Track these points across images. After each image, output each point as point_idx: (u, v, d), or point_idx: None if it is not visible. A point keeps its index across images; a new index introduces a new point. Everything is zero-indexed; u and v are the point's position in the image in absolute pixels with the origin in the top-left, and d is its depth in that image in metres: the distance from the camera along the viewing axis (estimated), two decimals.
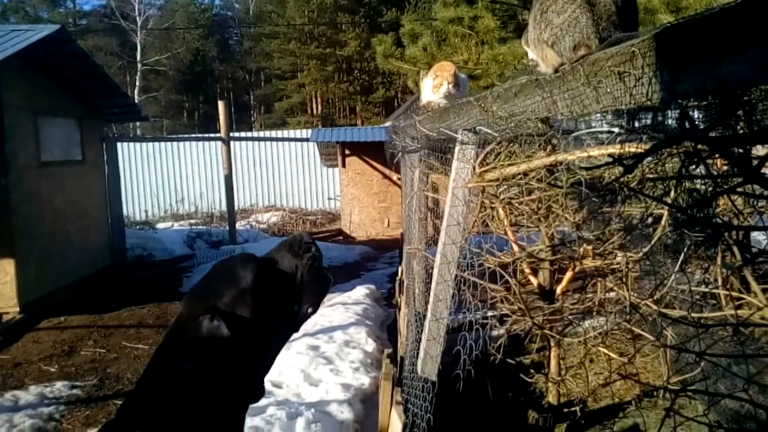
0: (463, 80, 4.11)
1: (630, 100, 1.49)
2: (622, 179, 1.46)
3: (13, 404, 5.49)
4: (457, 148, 3.24)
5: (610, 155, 1.49)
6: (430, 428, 2.55)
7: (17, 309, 8.21)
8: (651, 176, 1.38)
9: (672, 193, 1.61)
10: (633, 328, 2.94)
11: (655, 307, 2.91)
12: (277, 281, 1.64)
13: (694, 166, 1.66)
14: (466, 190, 3.26)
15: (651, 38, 1.35)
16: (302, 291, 1.67)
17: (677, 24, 1.26)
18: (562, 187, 2.13)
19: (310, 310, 1.70)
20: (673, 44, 1.28)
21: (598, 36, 1.65)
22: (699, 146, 1.57)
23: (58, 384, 5.99)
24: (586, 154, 1.74)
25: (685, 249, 2.52)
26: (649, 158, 1.79)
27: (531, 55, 1.91)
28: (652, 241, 1.73)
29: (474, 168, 2.43)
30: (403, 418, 2.95)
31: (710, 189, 1.65)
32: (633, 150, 1.67)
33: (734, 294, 3.09)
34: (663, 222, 1.71)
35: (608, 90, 1.56)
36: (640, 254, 1.83)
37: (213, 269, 1.68)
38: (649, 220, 3.34)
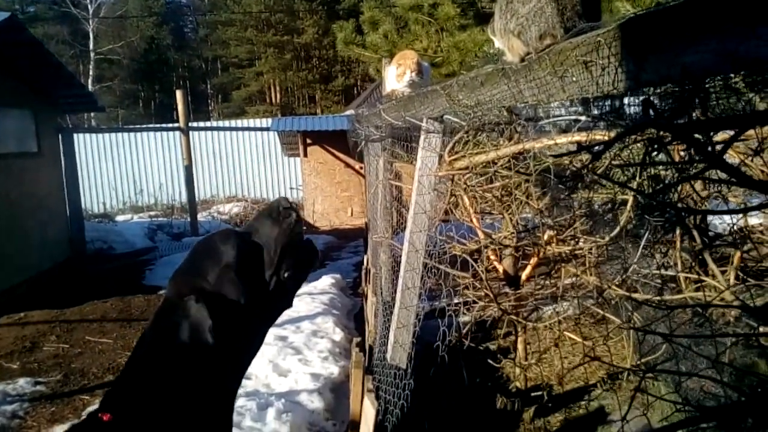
0: (426, 68, 4.12)
1: (596, 89, 1.52)
2: (589, 166, 1.49)
3: None
4: (422, 137, 3.26)
5: (577, 143, 1.52)
6: (404, 415, 2.57)
7: None
8: (618, 163, 1.42)
9: (636, 180, 1.64)
10: (600, 311, 3.00)
11: (621, 291, 2.98)
12: (259, 253, 1.62)
13: (656, 153, 1.71)
14: (433, 178, 3.29)
15: (616, 28, 1.37)
16: (283, 257, 1.64)
17: (642, 14, 1.29)
18: (530, 175, 2.16)
19: (286, 274, 1.65)
20: (637, 34, 1.31)
21: (563, 26, 1.68)
22: (662, 133, 1.61)
23: (21, 381, 5.86)
24: (552, 142, 1.77)
25: (646, 234, 2.59)
26: (614, 146, 1.83)
27: (497, 44, 1.93)
28: (618, 226, 1.77)
29: (442, 157, 2.45)
30: (376, 405, 2.98)
31: (673, 175, 1.70)
32: (599, 137, 1.71)
33: (694, 276, 3.18)
34: (628, 207, 1.76)
35: (574, 79, 1.59)
36: (607, 239, 1.86)
37: (194, 248, 1.66)
38: (608, 206, 3.42)
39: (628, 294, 2.41)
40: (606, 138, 1.64)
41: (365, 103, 21.83)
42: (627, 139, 1.74)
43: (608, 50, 1.40)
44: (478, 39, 8.09)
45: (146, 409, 1.43)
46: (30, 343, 6.98)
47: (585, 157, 1.82)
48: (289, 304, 1.71)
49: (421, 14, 8.95)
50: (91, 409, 5.20)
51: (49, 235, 10.49)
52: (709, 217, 4.13)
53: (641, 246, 2.49)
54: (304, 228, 1.68)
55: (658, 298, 2.36)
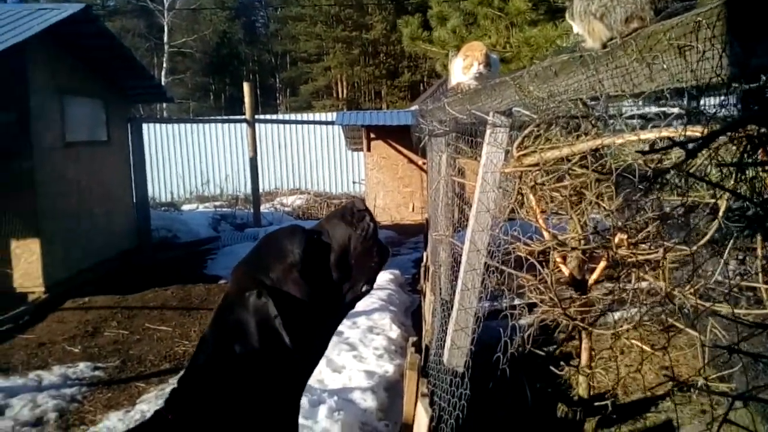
0: (495, 61, 3.95)
1: (691, 77, 1.35)
2: (683, 164, 1.32)
3: (37, 384, 5.49)
4: (488, 131, 3.10)
5: (669, 138, 1.36)
6: (459, 426, 2.43)
7: (43, 289, 8.25)
8: (708, 163, 1.24)
9: (732, 182, 1.46)
10: (672, 321, 2.78)
11: (699, 301, 2.76)
12: (327, 255, 1.53)
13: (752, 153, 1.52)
14: (498, 176, 3.12)
15: (720, 6, 1.20)
16: (356, 265, 1.55)
17: None
18: (608, 174, 1.98)
19: (365, 288, 1.57)
20: (749, 11, 1.13)
21: (653, 7, 1.51)
22: (762, 130, 1.43)
23: (81, 365, 5.98)
24: (636, 138, 1.60)
25: (732, 240, 2.37)
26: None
27: (576, 29, 1.77)
28: (710, 232, 1.59)
29: (509, 152, 2.30)
30: (430, 412, 2.84)
31: None
32: (693, 133, 1.53)
33: None
34: (720, 212, 1.57)
35: (665, 66, 1.42)
36: (695, 247, 1.68)
37: (260, 242, 1.60)
38: (682, 209, 3.18)
39: (710, 305, 2.20)
40: (701, 134, 1.45)
41: (430, 99, 21.68)
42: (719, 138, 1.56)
43: (710, 32, 1.22)
44: (550, 35, 7.83)
45: (211, 410, 1.38)
46: (92, 327, 7.13)
47: (673, 155, 1.65)
48: (351, 307, 1.62)
49: (490, 9, 8.75)
50: (146, 396, 5.25)
51: (115, 223, 10.73)
52: None
53: (726, 253, 2.27)
54: (377, 228, 1.56)
55: (746, 311, 2.14)
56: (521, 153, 2.24)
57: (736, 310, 2.84)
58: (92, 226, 9.66)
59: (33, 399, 5.14)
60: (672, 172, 1.50)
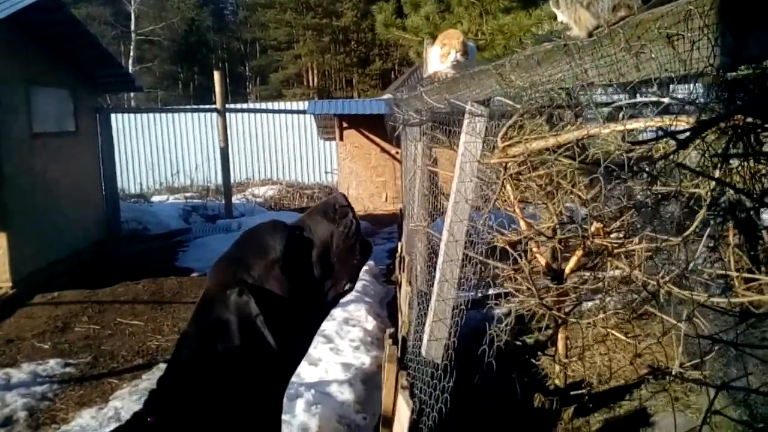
0: (472, 49, 3.92)
1: (680, 67, 1.33)
2: (671, 155, 1.30)
3: (5, 382, 5.36)
4: (466, 121, 3.07)
5: (660, 128, 1.33)
6: (441, 419, 2.41)
7: (10, 284, 8.06)
8: (715, 152, 1.22)
9: (717, 171, 1.44)
10: (651, 309, 2.79)
11: (675, 289, 2.77)
12: (309, 251, 1.49)
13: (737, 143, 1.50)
14: (476, 165, 3.09)
15: None
16: (338, 262, 1.52)
17: None
18: (594, 165, 1.96)
19: (347, 286, 1.54)
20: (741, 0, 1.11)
21: None
22: (748, 120, 1.41)
23: (52, 362, 5.85)
24: (621, 128, 1.58)
25: (708, 229, 2.37)
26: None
27: (560, 17, 1.74)
28: (695, 221, 1.57)
29: (493, 143, 2.27)
30: (411, 405, 2.82)
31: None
32: (682, 123, 1.51)
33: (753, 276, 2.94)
34: (707, 203, 1.56)
35: (653, 56, 1.39)
36: (680, 238, 1.67)
37: (240, 238, 1.55)
38: (656, 198, 3.19)
39: (689, 294, 2.20)
40: (687, 123, 1.43)
41: (403, 87, 21.62)
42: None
43: (701, 21, 1.20)
44: (524, 23, 7.82)
45: (194, 411, 1.34)
46: (62, 323, 6.99)
47: (661, 145, 1.63)
48: (334, 305, 1.59)
49: None
50: (119, 392, 5.16)
51: (85, 215, 10.53)
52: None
53: (702, 243, 2.27)
54: (359, 225, 1.53)
55: (724, 299, 2.14)
56: (506, 143, 2.21)
57: (713, 299, 2.86)
58: (61, 218, 9.46)
59: (1, 398, 5.02)
60: (662, 162, 1.49)
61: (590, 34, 1.60)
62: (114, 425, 4.52)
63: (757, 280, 3.00)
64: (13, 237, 8.12)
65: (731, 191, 2.17)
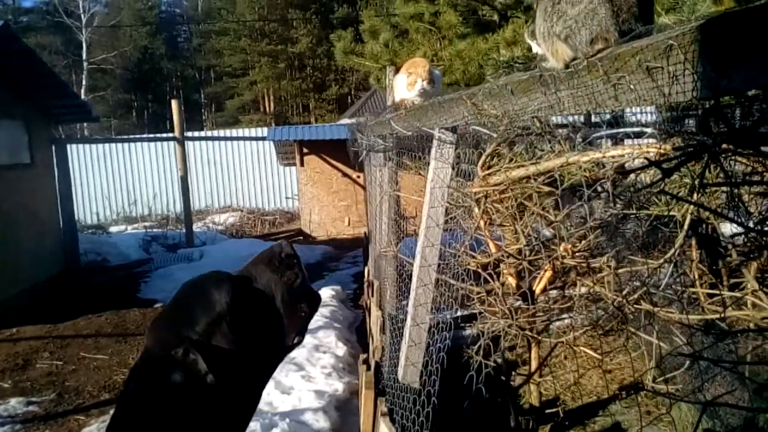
0: (438, 76, 3.99)
1: (660, 98, 1.38)
2: (657, 183, 1.35)
3: None
4: (434, 147, 3.12)
5: (646, 158, 1.39)
6: None
7: None
8: (713, 181, 1.28)
9: (696, 194, 1.51)
10: (628, 328, 2.86)
11: (647, 306, 2.85)
12: (256, 303, 1.44)
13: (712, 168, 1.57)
14: (445, 190, 3.14)
15: (694, 30, 1.23)
16: (284, 315, 1.46)
17: (730, 13, 1.15)
18: (576, 189, 2.02)
19: (296, 340, 1.49)
20: (725, 35, 1.17)
21: (618, 29, 1.54)
22: (724, 146, 1.48)
23: (13, 401, 5.67)
24: (601, 156, 1.63)
25: (677, 245, 2.45)
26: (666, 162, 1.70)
27: (536, 49, 1.79)
28: (677, 244, 1.63)
29: (454, 170, 2.31)
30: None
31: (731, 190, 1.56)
32: (653, 150, 1.57)
33: (727, 293, 3.03)
34: (686, 225, 1.62)
35: (631, 87, 1.45)
36: (662, 260, 1.72)
37: (182, 291, 1.47)
38: (621, 218, 3.28)
39: (657, 310, 2.26)
40: (663, 151, 1.49)
41: (359, 112, 21.74)
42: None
43: (682, 55, 1.26)
44: (481, 47, 7.97)
45: None
46: (22, 360, 6.78)
47: (644, 173, 1.69)
48: (281, 359, 1.58)
49: (421, 23, 8.85)
50: (87, 429, 5.03)
51: (42, 248, 10.30)
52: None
53: (672, 261, 2.35)
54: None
55: (696, 316, 2.21)
56: (486, 172, 2.25)
57: (686, 315, 2.95)
58: (17, 252, 9.24)
59: None
60: (646, 189, 1.54)
61: (567, 66, 1.65)
62: None
63: (719, 294, 3.10)
64: None
65: (693, 211, 2.26)
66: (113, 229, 17.61)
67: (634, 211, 1.79)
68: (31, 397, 5.82)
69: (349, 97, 43.77)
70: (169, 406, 1.29)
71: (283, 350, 1.52)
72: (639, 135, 1.69)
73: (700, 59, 1.22)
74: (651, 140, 1.57)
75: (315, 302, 1.56)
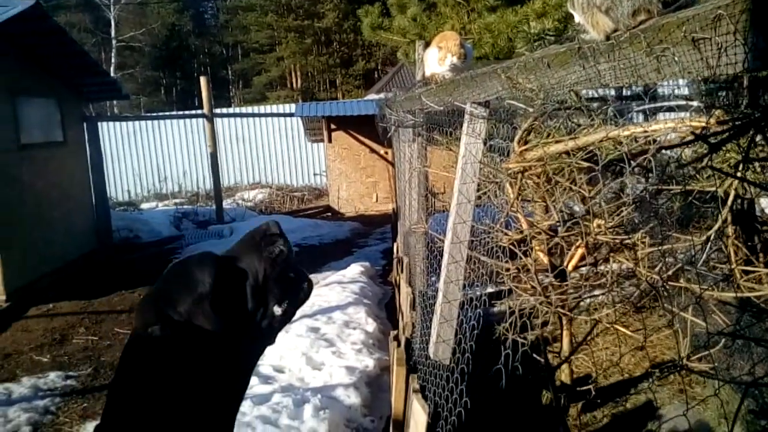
0: (469, 50, 3.92)
1: (706, 70, 1.33)
2: (705, 159, 1.31)
3: (7, 398, 5.31)
4: (466, 122, 3.07)
5: (693, 132, 1.34)
6: (461, 423, 2.41)
7: (3, 297, 7.98)
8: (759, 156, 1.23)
9: (739, 170, 1.46)
10: (666, 305, 2.80)
11: (685, 284, 2.79)
12: (242, 282, 1.41)
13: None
14: (477, 166, 3.10)
15: None
16: (268, 293, 1.42)
17: None
18: (609, 167, 1.97)
19: (278, 310, 1.44)
20: None
21: (661, 0, 1.48)
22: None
23: (52, 375, 5.80)
24: (642, 130, 1.58)
25: (718, 223, 2.39)
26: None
27: (577, 19, 1.74)
28: (719, 221, 1.58)
29: (483, 146, 2.27)
30: (428, 409, 2.82)
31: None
32: (695, 124, 1.52)
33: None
34: (729, 202, 1.57)
35: (676, 59, 1.40)
36: (704, 237, 1.68)
37: (168, 271, 1.45)
38: (660, 195, 3.21)
39: (696, 287, 2.22)
40: (707, 125, 1.44)
41: (386, 87, 21.59)
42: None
43: (732, 25, 1.21)
44: (510, 20, 7.83)
45: None
46: (59, 335, 6.93)
47: (688, 148, 1.64)
48: (271, 341, 1.49)
49: None
50: None
51: (75, 225, 10.45)
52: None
53: (711, 237, 2.29)
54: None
55: (731, 294, 2.16)
56: (523, 148, 2.21)
57: (723, 293, 2.89)
58: (52, 229, 9.38)
59: (4, 414, 4.97)
60: (693, 165, 1.50)
61: (608, 38, 1.60)
62: None
63: (756, 271, 3.03)
64: (3, 250, 8.04)
65: (739, 186, 2.19)
66: (144, 206, 17.82)
67: (678, 188, 1.74)
68: (69, 371, 5.95)
69: (376, 73, 43.53)
70: (148, 387, 1.28)
71: (271, 329, 1.46)
72: (671, 109, 1.64)
73: (751, 29, 1.17)
74: (684, 114, 1.53)
75: (300, 281, 1.50)
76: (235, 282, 1.40)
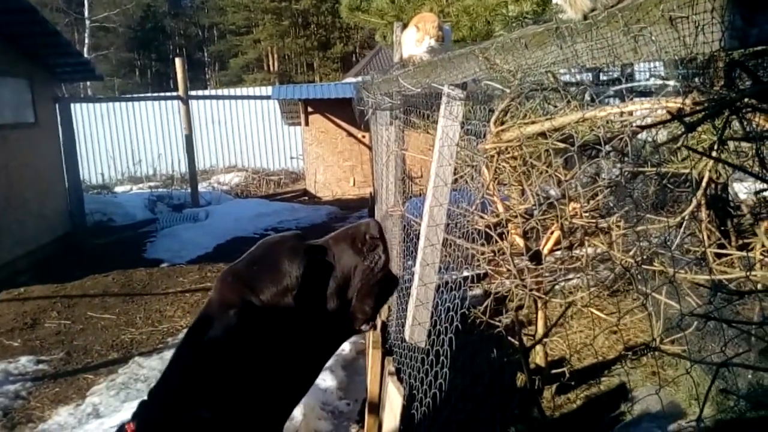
0: (447, 32, 3.90)
1: (682, 50, 1.33)
2: (681, 138, 1.30)
3: None
4: (443, 104, 3.06)
5: (669, 112, 1.33)
6: (436, 405, 2.42)
7: None
8: (737, 136, 1.23)
9: (714, 151, 1.46)
10: (640, 288, 2.82)
11: (658, 267, 2.82)
12: (328, 282, 1.36)
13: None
14: (454, 149, 3.09)
15: None
16: (357, 299, 1.37)
17: None
18: (584, 150, 1.97)
19: (364, 327, 1.40)
20: None
21: None
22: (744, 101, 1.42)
23: (23, 359, 5.72)
24: (618, 111, 1.58)
25: (691, 206, 2.41)
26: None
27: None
28: (694, 201, 1.59)
29: (462, 129, 2.26)
30: (402, 392, 2.82)
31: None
32: (672, 105, 1.52)
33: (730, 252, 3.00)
34: (703, 184, 1.57)
35: (653, 38, 1.39)
36: (678, 218, 1.68)
37: (256, 251, 1.41)
38: (629, 176, 3.22)
39: (670, 270, 2.23)
40: (682, 106, 1.44)
41: (364, 70, 21.49)
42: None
43: (709, 3, 1.20)
44: (489, 2, 7.80)
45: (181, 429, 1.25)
46: (31, 319, 6.83)
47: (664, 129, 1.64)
48: (347, 338, 1.46)
49: None
50: (96, 388, 5.07)
51: (47, 208, 10.29)
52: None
53: (685, 218, 2.30)
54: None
55: (704, 276, 2.18)
56: (500, 128, 2.20)
57: (696, 276, 2.92)
58: (24, 212, 9.23)
59: None
60: (668, 145, 1.49)
61: (585, 17, 1.59)
62: (93, 422, 4.47)
63: (728, 255, 3.06)
64: None
65: (712, 168, 2.21)
66: (118, 189, 17.60)
67: (652, 169, 1.74)
68: (41, 355, 5.87)
69: (354, 56, 43.34)
70: (218, 368, 1.26)
71: (347, 332, 1.44)
72: (647, 93, 1.63)
73: (728, 7, 1.16)
74: (661, 97, 1.53)
75: (392, 286, 1.46)
76: (323, 279, 1.36)
